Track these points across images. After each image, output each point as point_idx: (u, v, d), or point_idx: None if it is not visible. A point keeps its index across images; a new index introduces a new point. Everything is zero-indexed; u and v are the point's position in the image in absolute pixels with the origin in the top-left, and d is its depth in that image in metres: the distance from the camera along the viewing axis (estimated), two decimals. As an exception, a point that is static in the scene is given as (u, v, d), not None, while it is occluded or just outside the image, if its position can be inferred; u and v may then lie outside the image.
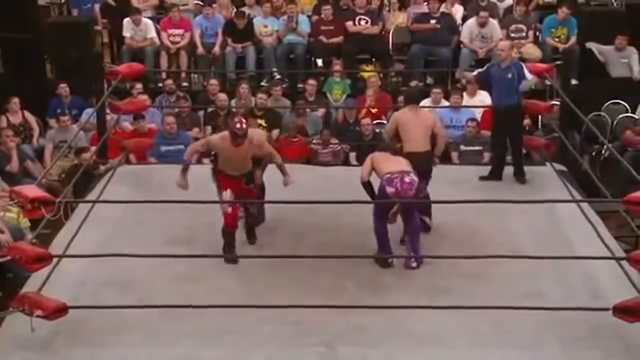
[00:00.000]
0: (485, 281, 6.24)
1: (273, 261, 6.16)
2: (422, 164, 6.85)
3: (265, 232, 7.10)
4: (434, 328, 5.71)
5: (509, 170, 8.22)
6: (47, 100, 10.56)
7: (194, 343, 5.60)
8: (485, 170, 8.31)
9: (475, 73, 8.59)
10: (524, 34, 11.24)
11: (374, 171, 6.62)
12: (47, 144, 9.95)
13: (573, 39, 11.19)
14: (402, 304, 5.94)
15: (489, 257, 6.12)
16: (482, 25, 11.15)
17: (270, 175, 7.12)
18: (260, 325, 5.73)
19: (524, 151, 8.51)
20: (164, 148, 9.41)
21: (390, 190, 6.36)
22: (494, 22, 11.26)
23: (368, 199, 6.64)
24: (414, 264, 6.49)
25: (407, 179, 6.38)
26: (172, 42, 11.28)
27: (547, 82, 9.50)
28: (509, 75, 7.83)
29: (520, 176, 8.10)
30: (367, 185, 6.66)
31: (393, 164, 6.52)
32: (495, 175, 8.15)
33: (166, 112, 10.03)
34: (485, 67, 8.42)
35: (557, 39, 11.26)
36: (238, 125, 6.48)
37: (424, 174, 6.82)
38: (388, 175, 6.40)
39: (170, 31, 11.34)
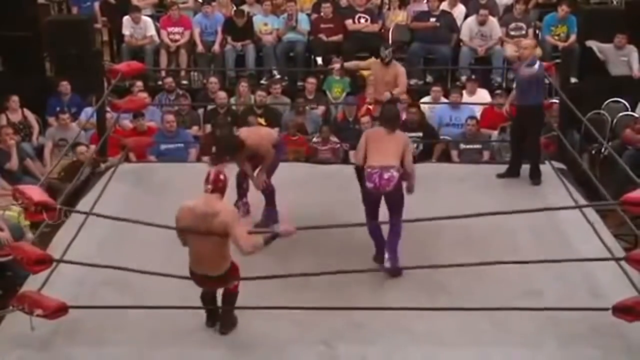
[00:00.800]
0: (484, 279, 6.22)
1: (271, 259, 6.14)
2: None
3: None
4: (433, 326, 5.71)
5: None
6: (46, 98, 10.57)
7: (192, 342, 5.60)
8: (486, 168, 8.32)
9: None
10: (523, 32, 11.23)
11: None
12: (47, 142, 9.94)
13: (573, 37, 11.19)
14: (400, 302, 5.92)
15: (485, 263, 6.09)
16: (482, 23, 11.15)
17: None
18: (258, 324, 5.73)
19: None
20: (163, 146, 9.41)
21: (369, 185, 6.41)
22: (493, 20, 11.27)
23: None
24: (388, 264, 6.44)
25: (385, 175, 6.38)
26: (172, 40, 11.28)
27: (547, 81, 9.49)
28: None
29: (535, 178, 8.01)
30: (360, 172, 6.56)
31: (380, 155, 6.43)
32: (513, 172, 8.14)
33: (166, 110, 10.04)
34: None
35: (556, 37, 11.26)
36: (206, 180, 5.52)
37: None
38: (369, 170, 6.41)
39: (169, 29, 11.35)
